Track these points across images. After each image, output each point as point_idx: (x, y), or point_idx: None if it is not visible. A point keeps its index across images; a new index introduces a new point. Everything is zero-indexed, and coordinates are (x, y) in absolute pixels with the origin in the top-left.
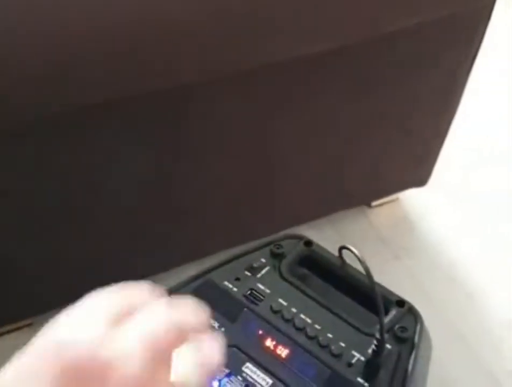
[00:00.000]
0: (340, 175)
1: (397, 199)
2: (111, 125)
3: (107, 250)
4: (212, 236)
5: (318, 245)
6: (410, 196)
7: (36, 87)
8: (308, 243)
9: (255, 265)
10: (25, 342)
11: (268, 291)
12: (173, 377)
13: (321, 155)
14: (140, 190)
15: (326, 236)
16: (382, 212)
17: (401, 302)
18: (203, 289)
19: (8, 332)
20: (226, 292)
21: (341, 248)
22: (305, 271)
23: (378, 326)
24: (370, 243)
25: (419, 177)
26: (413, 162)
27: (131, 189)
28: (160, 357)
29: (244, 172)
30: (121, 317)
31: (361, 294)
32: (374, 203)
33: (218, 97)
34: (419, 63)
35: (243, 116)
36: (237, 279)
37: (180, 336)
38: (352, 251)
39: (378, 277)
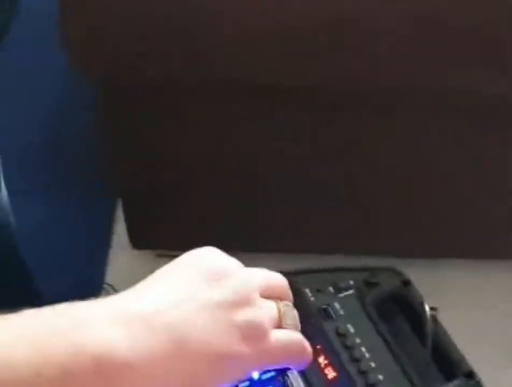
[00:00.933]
0: None
1: None
2: None
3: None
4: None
5: (415, 288)
6: None
7: None
8: (406, 282)
9: (341, 284)
10: None
11: (342, 312)
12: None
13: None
14: None
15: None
16: None
17: (470, 374)
18: None
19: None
20: (304, 298)
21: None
22: (391, 309)
23: None
24: None
25: None
26: None
27: None
28: (267, 290)
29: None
30: None
31: (438, 354)
32: None
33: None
34: None
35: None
36: (319, 290)
37: (284, 291)
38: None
39: None
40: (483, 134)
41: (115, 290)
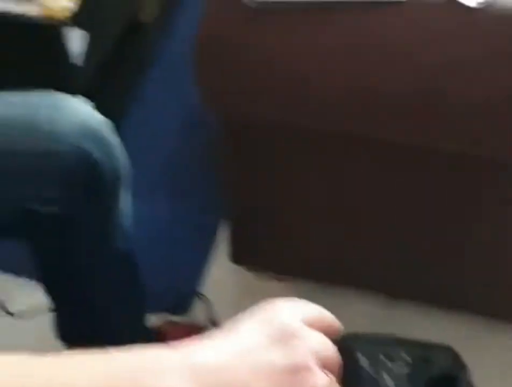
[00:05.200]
0: None
1: None
2: None
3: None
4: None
5: (469, 372)
6: None
7: None
8: (461, 365)
9: (394, 355)
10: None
11: (390, 384)
12: None
13: None
14: None
15: None
16: None
17: None
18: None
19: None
20: (356, 363)
21: None
22: None
23: None
24: None
25: None
26: None
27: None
28: (322, 359)
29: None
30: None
31: None
32: None
33: None
34: None
35: None
36: (371, 358)
37: (334, 364)
38: None
39: None
40: None
41: (208, 300)
